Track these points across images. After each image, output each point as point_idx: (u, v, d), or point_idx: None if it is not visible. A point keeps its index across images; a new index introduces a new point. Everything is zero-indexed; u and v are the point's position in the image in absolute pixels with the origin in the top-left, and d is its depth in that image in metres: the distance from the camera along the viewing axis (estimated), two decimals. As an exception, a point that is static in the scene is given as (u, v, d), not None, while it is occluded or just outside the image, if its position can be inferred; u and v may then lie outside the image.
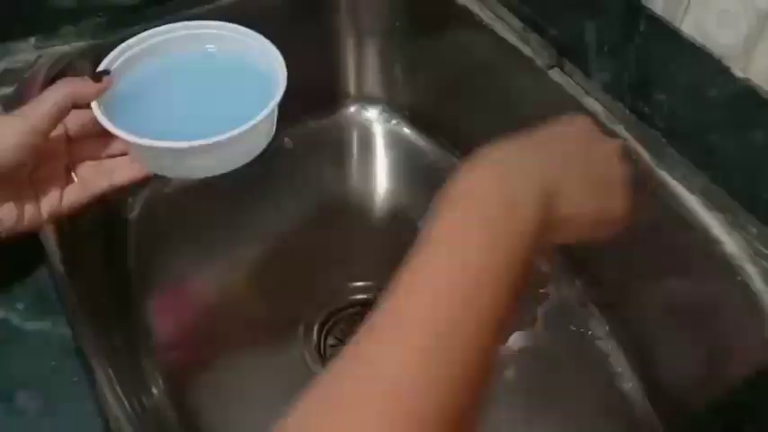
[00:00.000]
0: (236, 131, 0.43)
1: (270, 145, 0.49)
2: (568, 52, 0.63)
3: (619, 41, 0.58)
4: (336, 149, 0.86)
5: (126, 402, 0.48)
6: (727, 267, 0.52)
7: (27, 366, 0.45)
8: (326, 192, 0.82)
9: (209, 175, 0.47)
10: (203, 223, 0.77)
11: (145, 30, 0.50)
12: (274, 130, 0.49)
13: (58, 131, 0.45)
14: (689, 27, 0.53)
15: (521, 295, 0.32)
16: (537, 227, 0.33)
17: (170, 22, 0.52)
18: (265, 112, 0.44)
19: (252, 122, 0.43)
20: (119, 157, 0.48)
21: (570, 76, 0.63)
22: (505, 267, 0.32)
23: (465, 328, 0.30)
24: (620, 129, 0.59)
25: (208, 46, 0.52)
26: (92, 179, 0.47)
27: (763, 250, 0.51)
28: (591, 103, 0.62)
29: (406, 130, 0.86)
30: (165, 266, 0.73)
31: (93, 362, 0.46)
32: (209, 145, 0.42)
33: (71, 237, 0.58)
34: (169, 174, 0.48)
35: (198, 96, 0.49)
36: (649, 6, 0.54)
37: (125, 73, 0.48)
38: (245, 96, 0.48)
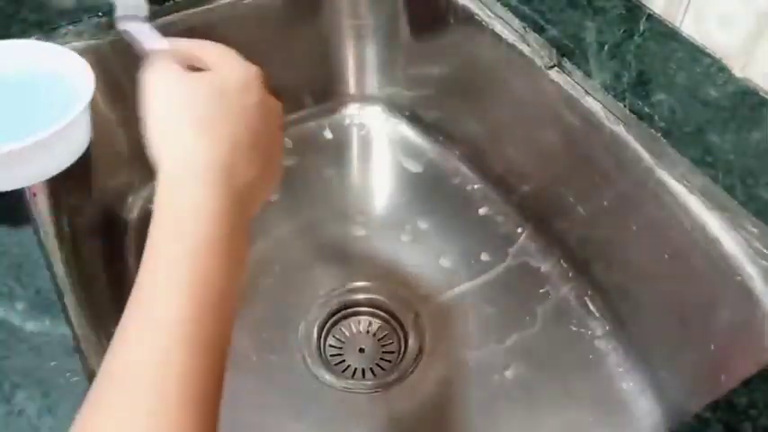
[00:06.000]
0: (28, 141, 0.43)
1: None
2: (568, 52, 0.63)
3: (619, 41, 0.58)
4: (336, 149, 0.86)
5: (126, 402, 0.48)
6: (727, 267, 0.52)
7: (27, 366, 0.45)
8: (326, 191, 0.82)
9: (17, 186, 0.47)
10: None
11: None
12: (88, 139, 0.49)
13: None
14: (689, 27, 0.53)
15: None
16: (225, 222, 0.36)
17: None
18: (62, 123, 0.44)
19: (45, 133, 0.44)
20: None
21: (570, 76, 0.63)
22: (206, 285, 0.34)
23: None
24: (619, 129, 0.60)
25: (12, 61, 0.51)
26: None
27: (764, 250, 0.51)
28: (591, 103, 0.62)
29: (406, 130, 0.85)
30: (165, 266, 0.72)
31: (93, 362, 0.46)
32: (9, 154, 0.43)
33: (71, 237, 0.58)
34: None
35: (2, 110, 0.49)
36: (649, 6, 0.54)
37: None
38: (51, 107, 0.48)
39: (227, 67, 0.40)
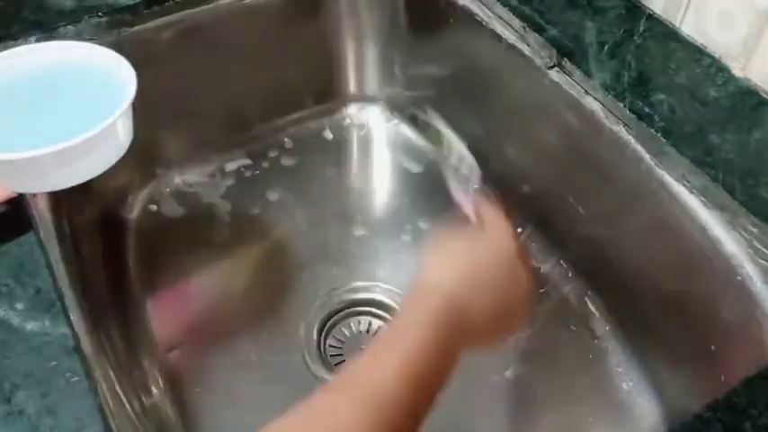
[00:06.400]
0: (69, 143, 0.43)
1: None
2: (568, 52, 0.63)
3: (619, 41, 0.58)
4: (336, 149, 0.86)
5: (126, 402, 0.48)
6: (727, 267, 0.52)
7: (27, 366, 0.45)
8: (326, 192, 0.82)
9: (65, 186, 0.47)
10: (203, 223, 0.77)
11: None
12: (129, 140, 0.49)
13: None
14: (689, 27, 0.53)
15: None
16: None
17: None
18: (107, 122, 0.45)
19: (87, 134, 0.44)
20: None
21: (570, 76, 0.63)
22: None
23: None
24: (619, 129, 0.60)
25: (53, 61, 0.51)
26: None
27: (764, 250, 0.51)
28: (591, 103, 0.62)
29: (406, 130, 0.86)
30: (165, 266, 0.73)
31: (93, 362, 0.46)
32: (56, 153, 0.43)
33: (71, 237, 0.58)
34: (28, 188, 0.48)
35: (44, 110, 0.49)
36: (649, 6, 0.54)
37: None
38: (93, 107, 0.48)
39: (496, 231, 0.50)
